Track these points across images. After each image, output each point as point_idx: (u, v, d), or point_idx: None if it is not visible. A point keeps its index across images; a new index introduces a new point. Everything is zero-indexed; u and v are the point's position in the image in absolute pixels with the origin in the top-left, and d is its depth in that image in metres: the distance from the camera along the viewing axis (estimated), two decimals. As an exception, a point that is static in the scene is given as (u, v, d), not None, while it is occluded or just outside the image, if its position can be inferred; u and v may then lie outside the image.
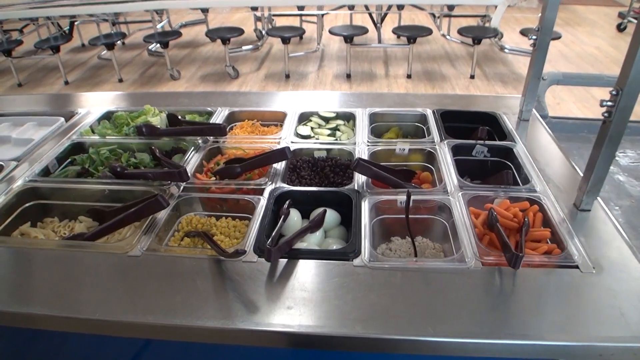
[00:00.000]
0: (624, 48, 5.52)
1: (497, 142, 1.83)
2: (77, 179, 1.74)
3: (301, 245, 1.41)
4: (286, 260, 1.31)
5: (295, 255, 1.32)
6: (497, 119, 2.00)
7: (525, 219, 1.41)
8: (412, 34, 5.46)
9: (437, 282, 1.24)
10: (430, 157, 1.80)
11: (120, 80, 5.78)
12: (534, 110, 2.01)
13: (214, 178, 1.69)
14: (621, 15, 7.13)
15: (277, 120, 2.11)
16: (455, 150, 1.78)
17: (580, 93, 4.96)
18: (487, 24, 6.71)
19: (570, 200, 1.54)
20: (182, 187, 1.63)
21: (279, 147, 1.82)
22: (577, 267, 1.28)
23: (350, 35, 5.49)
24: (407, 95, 2.25)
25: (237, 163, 1.70)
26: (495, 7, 6.17)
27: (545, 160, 1.73)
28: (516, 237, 1.44)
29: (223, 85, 5.58)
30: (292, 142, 1.88)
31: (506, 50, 5.95)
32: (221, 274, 1.27)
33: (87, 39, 6.32)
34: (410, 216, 1.46)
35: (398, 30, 5.75)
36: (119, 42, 6.71)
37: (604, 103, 1.30)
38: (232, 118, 2.14)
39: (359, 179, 1.64)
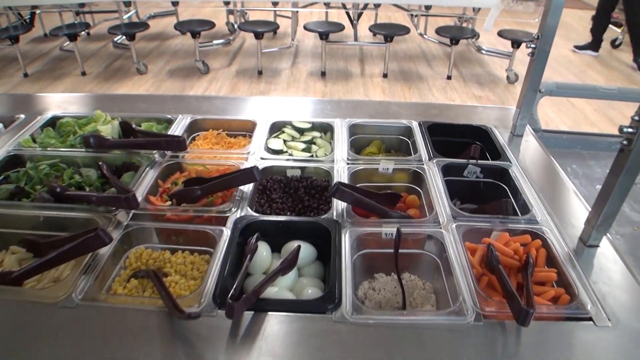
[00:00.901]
0: (599, 51, 5.33)
1: (491, 162, 1.63)
2: (10, 201, 1.46)
3: (271, 290, 1.18)
4: (252, 312, 1.07)
5: (263, 307, 1.09)
6: (489, 133, 1.80)
7: (530, 259, 1.21)
8: (389, 33, 5.25)
9: (432, 341, 1.03)
10: (417, 178, 1.59)
11: (83, 74, 5.40)
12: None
13: (169, 202, 1.44)
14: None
15: (245, 130, 1.86)
16: (446, 170, 1.58)
17: (556, 98, 4.83)
18: (464, 24, 6.56)
19: (576, 232, 1.35)
20: (131, 214, 1.37)
21: (246, 165, 1.58)
22: (590, 319, 1.09)
23: (326, 31, 5.25)
24: (390, 104, 2.03)
25: (197, 183, 1.45)
26: (476, 9, 6.02)
27: (544, 184, 1.54)
28: (517, 277, 1.25)
29: (192, 80, 5.27)
30: (261, 159, 1.63)
31: (483, 52, 5.81)
32: (173, 332, 1.03)
33: (49, 29, 5.89)
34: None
35: (375, 28, 5.54)
36: (82, 32, 6.30)
37: (625, 129, 1.10)
38: (195, 127, 1.88)
39: (339, 204, 1.41)
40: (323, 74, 5.43)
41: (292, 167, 1.61)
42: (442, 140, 1.78)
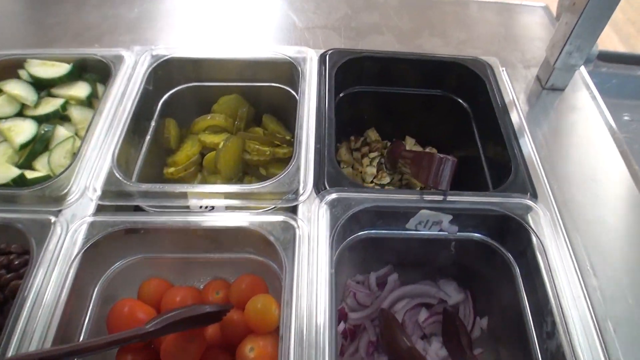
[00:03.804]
0: None
1: (482, 199, 0.57)
2: None
3: None
4: None
5: None
6: (486, 83, 0.70)
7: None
8: None
9: None
10: (269, 251, 0.55)
11: None
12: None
13: None
14: None
15: None
16: (358, 221, 0.55)
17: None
18: None
19: None
20: None
21: None
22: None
23: None
24: (277, 3, 0.88)
25: None
26: None
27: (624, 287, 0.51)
28: None
29: None
30: None
31: None
32: None
33: None
34: None
35: None
36: None
37: None
38: None
39: None
40: None
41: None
42: (370, 96, 0.71)
